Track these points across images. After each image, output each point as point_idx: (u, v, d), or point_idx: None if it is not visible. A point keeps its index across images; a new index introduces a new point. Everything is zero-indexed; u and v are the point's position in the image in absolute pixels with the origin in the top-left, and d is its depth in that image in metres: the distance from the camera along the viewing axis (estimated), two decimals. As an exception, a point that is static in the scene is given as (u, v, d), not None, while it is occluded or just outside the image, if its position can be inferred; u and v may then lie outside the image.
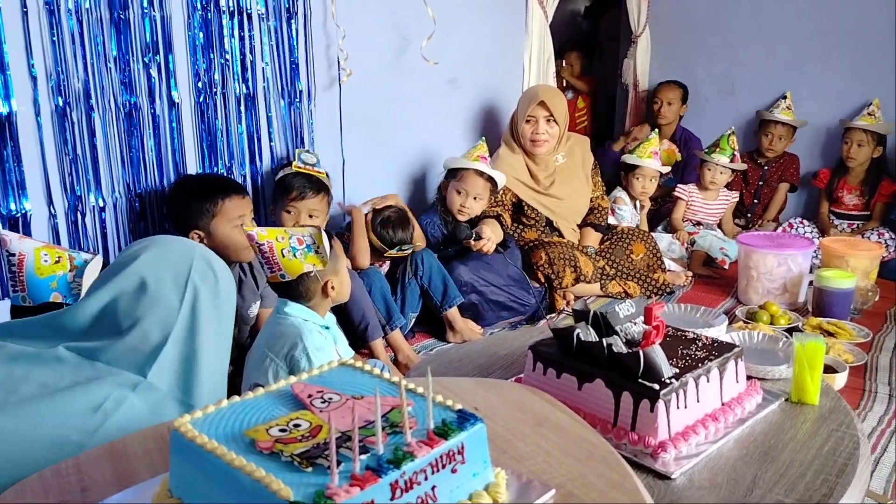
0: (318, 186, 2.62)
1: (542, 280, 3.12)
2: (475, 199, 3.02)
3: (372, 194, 2.92)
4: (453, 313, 2.80)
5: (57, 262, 1.61)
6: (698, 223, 3.94)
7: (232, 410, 0.90)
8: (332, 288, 1.89)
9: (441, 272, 2.82)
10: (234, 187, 2.29)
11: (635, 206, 3.77)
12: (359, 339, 2.51)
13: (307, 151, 2.68)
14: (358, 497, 0.74)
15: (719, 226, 4.00)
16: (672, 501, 1.05)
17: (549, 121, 3.24)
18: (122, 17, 2.21)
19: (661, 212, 4.09)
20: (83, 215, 2.23)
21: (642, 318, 1.33)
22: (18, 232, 2.05)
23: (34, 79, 2.05)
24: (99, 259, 1.68)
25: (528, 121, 3.24)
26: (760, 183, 4.23)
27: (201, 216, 2.21)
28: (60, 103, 2.11)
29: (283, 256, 1.80)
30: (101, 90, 2.19)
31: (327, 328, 1.96)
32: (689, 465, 1.12)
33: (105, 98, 2.21)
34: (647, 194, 3.76)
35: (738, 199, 4.07)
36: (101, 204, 2.26)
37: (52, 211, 2.15)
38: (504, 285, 2.98)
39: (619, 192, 3.73)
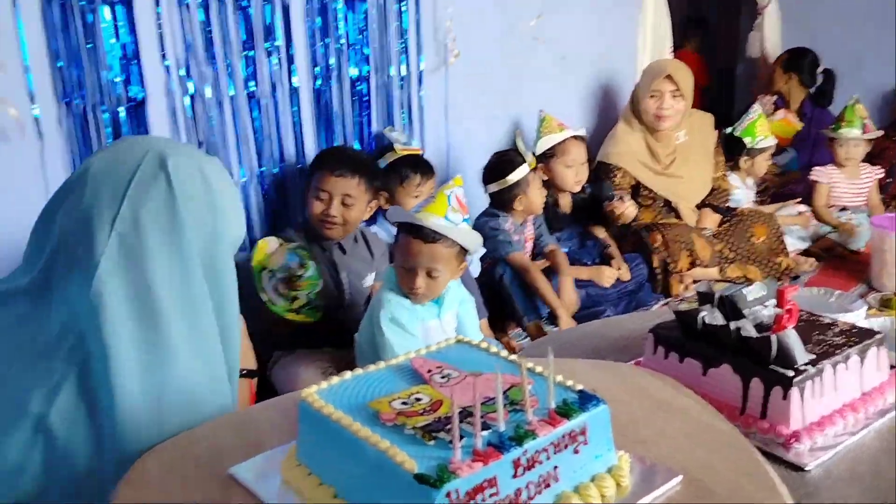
0: (428, 167, 2.63)
1: (658, 262, 3.02)
2: (583, 164, 2.97)
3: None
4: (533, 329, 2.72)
5: None
6: (843, 208, 3.63)
7: (356, 382, 0.92)
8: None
9: (519, 285, 2.68)
10: (334, 165, 2.26)
11: (747, 185, 3.58)
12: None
13: (394, 129, 2.68)
14: (480, 472, 0.74)
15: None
16: (806, 494, 0.99)
17: (675, 95, 3.13)
18: (244, 5, 2.29)
19: (785, 193, 3.84)
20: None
21: (773, 301, 1.26)
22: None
23: (166, 68, 2.16)
24: None
25: (652, 95, 3.13)
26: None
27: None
28: (190, 90, 2.22)
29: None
30: (227, 77, 2.29)
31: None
32: (826, 456, 1.05)
33: (231, 85, 2.30)
34: (759, 175, 3.56)
35: (882, 174, 3.70)
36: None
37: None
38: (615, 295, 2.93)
39: (730, 177, 3.55)
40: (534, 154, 2.93)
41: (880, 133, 3.61)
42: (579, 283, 2.91)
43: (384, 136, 2.69)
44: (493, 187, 2.75)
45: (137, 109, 2.14)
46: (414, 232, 1.80)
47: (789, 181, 3.89)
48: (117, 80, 2.09)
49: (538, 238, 2.90)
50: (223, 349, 1.13)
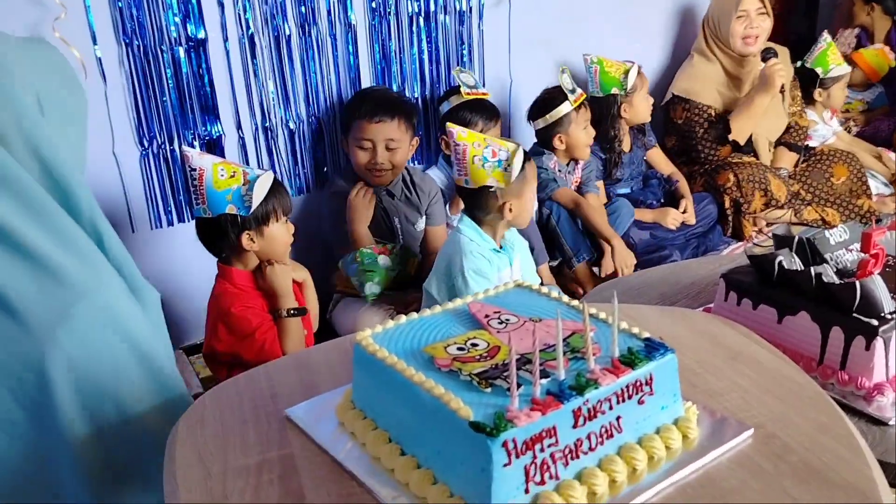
0: (495, 113, 2.54)
1: (730, 203, 2.90)
2: (645, 100, 2.87)
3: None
4: (580, 271, 2.63)
5: (232, 176, 1.69)
6: None
7: (411, 327, 0.89)
8: (510, 210, 1.85)
9: (571, 225, 2.61)
10: (373, 109, 2.23)
11: (827, 122, 3.37)
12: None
13: (463, 71, 2.59)
14: (539, 422, 0.71)
15: None
16: (888, 450, 0.93)
17: (760, 13, 2.96)
18: (300, -60, 2.23)
19: (869, 133, 3.61)
20: (270, 136, 2.33)
21: (856, 245, 1.17)
22: (214, 153, 2.19)
23: (221, 5, 2.13)
24: (270, 174, 1.75)
25: (739, 16, 2.96)
26: None
27: (344, 127, 2.30)
28: (246, 29, 2.19)
29: (473, 163, 1.77)
30: (282, 15, 2.25)
31: (498, 251, 1.94)
32: (912, 411, 0.99)
33: (286, 23, 2.26)
34: (836, 106, 3.35)
35: None
36: (285, 125, 2.35)
37: (241, 133, 2.27)
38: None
39: (809, 113, 3.34)
40: (614, 95, 2.82)
41: None
42: (643, 226, 2.82)
43: (452, 77, 2.61)
44: (539, 124, 2.66)
45: (197, 49, 2.13)
46: None
47: (874, 117, 3.64)
48: (177, 19, 2.07)
49: (583, 184, 2.80)
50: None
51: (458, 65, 2.68)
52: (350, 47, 2.42)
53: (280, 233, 1.78)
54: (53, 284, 0.99)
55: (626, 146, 2.94)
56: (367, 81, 2.49)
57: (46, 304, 0.98)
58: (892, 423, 0.98)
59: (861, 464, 0.79)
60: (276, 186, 1.77)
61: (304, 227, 1.95)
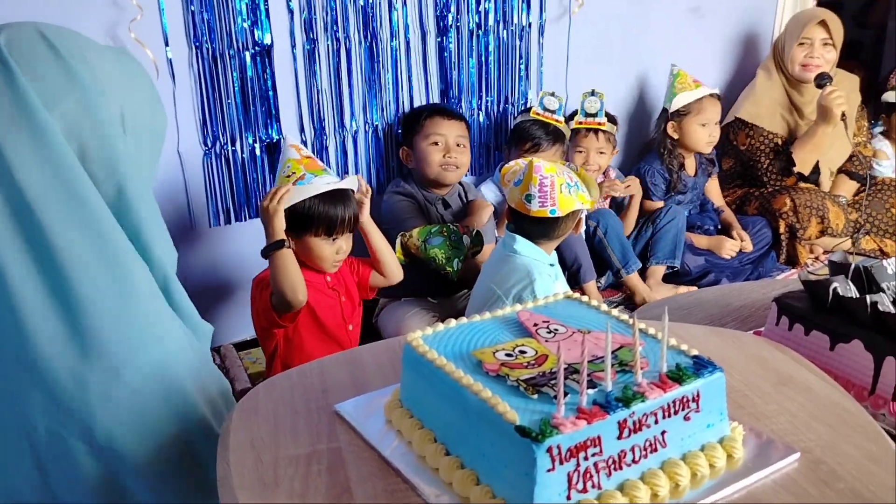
0: (556, 137, 2.56)
1: (785, 229, 2.85)
2: (716, 125, 2.83)
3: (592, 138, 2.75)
4: (633, 279, 2.63)
5: (292, 174, 1.77)
6: None
7: (460, 331, 0.91)
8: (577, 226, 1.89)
9: (618, 236, 2.61)
10: (441, 111, 2.36)
11: None
12: (570, 281, 2.46)
13: (551, 95, 2.61)
14: (584, 430, 0.72)
15: None
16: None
17: (825, 44, 2.91)
18: (367, -48, 2.28)
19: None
20: (337, 142, 2.39)
21: (916, 276, 1.15)
22: (273, 156, 2.26)
23: (290, 12, 2.20)
24: (354, 178, 1.80)
25: (801, 43, 2.92)
26: None
27: (409, 133, 2.36)
28: (311, 36, 2.25)
29: (561, 192, 1.77)
30: (346, 25, 2.30)
31: (552, 265, 1.94)
32: (966, 447, 0.96)
33: (350, 32, 2.31)
34: None
35: None
36: (346, 132, 2.40)
37: (303, 138, 2.33)
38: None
39: (879, 143, 3.26)
40: (665, 110, 2.81)
41: None
42: (697, 251, 2.80)
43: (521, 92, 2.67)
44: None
45: (262, 54, 2.19)
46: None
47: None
48: (245, 24, 2.14)
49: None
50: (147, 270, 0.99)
51: (517, 79, 2.72)
52: (411, 58, 2.47)
53: (317, 246, 1.79)
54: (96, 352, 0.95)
55: (689, 170, 2.92)
56: (422, 92, 2.53)
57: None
58: (945, 457, 0.96)
59: (910, 495, 0.78)
60: (335, 199, 1.76)
61: (358, 236, 1.98)
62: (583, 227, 2.40)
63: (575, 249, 2.46)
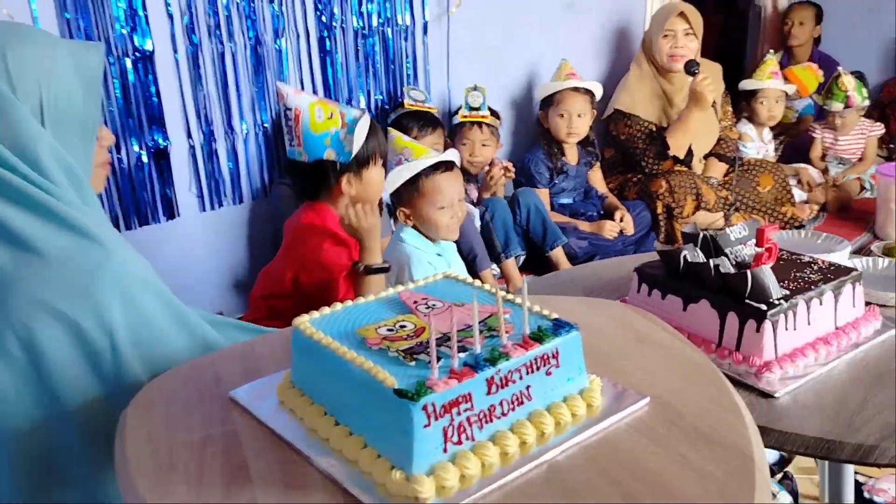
0: (433, 123, 2.66)
1: (662, 209, 3.06)
2: (579, 116, 2.98)
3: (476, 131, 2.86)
4: (557, 254, 2.79)
5: (330, 117, 1.61)
6: (841, 161, 3.66)
7: (345, 312, 0.98)
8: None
9: (540, 213, 2.78)
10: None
11: (763, 138, 3.59)
12: (468, 270, 2.57)
13: (414, 88, 2.71)
14: (455, 388, 0.80)
15: (861, 160, 3.69)
16: (773, 419, 1.05)
17: (687, 34, 3.13)
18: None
19: (802, 143, 3.83)
20: (227, 145, 2.39)
21: (754, 241, 1.30)
22: (160, 163, 2.24)
23: (170, 17, 2.19)
24: (367, 117, 1.70)
25: (665, 35, 3.13)
26: (909, 109, 3.89)
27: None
28: (193, 42, 2.25)
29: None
30: (228, 28, 2.32)
31: (440, 255, 2.04)
32: (795, 385, 1.11)
33: (233, 35, 2.33)
34: (776, 119, 3.56)
35: (882, 132, 3.72)
36: (234, 135, 2.41)
37: (191, 143, 2.32)
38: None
39: (744, 127, 3.55)
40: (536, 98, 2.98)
41: (865, 103, 3.59)
42: (582, 235, 2.96)
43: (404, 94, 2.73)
44: None
45: (146, 59, 2.18)
46: (442, 167, 1.95)
47: (804, 129, 3.86)
48: (124, 31, 2.13)
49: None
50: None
51: (403, 77, 2.79)
52: (301, 60, 2.50)
53: (377, 177, 1.74)
54: (88, 242, 1.04)
55: (571, 159, 3.08)
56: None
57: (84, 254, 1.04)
58: (777, 395, 1.10)
59: (741, 426, 0.90)
60: (374, 127, 1.72)
61: (260, 231, 2.00)
62: (475, 217, 2.53)
63: (470, 240, 2.57)
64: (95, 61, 1.10)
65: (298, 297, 1.73)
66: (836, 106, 3.53)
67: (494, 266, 2.68)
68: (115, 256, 1.07)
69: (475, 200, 2.79)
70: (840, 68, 3.56)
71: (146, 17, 2.15)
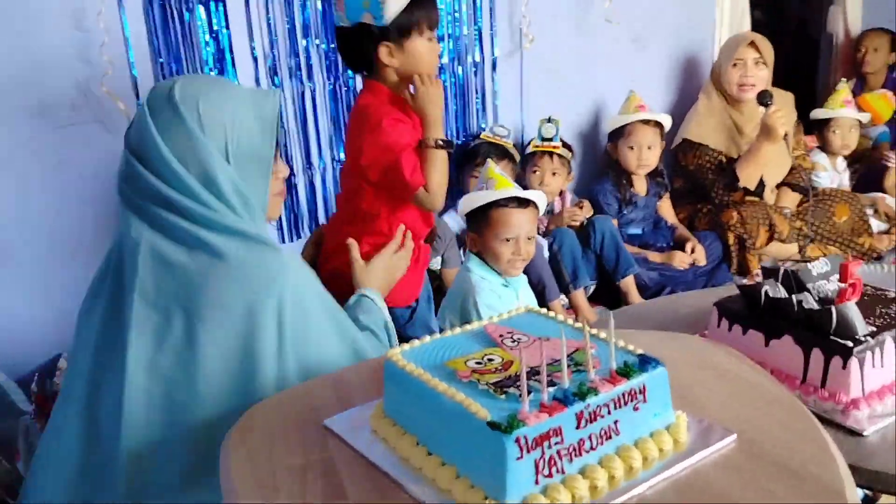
0: (503, 153, 2.72)
1: (734, 240, 3.02)
2: (649, 148, 2.99)
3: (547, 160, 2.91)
4: (628, 283, 2.78)
5: None
6: None
7: (434, 345, 1.02)
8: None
9: (614, 240, 2.79)
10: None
11: (836, 168, 3.51)
12: (539, 301, 2.59)
13: (500, 126, 2.78)
14: (546, 422, 0.83)
15: None
16: (862, 457, 1.04)
17: (757, 63, 3.11)
18: (325, -1, 2.42)
19: (876, 171, 3.72)
20: (305, 179, 2.49)
21: (837, 276, 1.29)
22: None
23: (255, 59, 2.31)
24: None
25: (735, 64, 3.12)
26: None
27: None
28: (276, 82, 2.37)
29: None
30: (308, 68, 2.42)
31: (506, 286, 2.07)
32: (883, 423, 1.09)
33: (312, 76, 2.44)
34: (850, 147, 3.48)
35: None
36: (312, 170, 2.51)
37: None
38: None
39: (816, 156, 3.48)
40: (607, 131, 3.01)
41: None
42: (652, 266, 2.95)
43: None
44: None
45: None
46: (515, 202, 1.99)
47: (880, 157, 3.76)
48: (212, 73, 2.25)
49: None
50: None
51: (473, 112, 2.87)
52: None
53: (424, 49, 1.66)
54: (267, 249, 1.23)
55: (640, 190, 3.08)
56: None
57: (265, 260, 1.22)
58: (866, 433, 1.09)
59: (831, 464, 0.90)
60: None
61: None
62: (543, 248, 2.55)
63: (539, 271, 2.59)
64: (272, 106, 1.27)
65: (374, 192, 1.71)
66: None
67: (563, 297, 2.69)
68: (291, 262, 1.25)
69: (544, 231, 2.81)
70: None
71: (233, 59, 2.27)
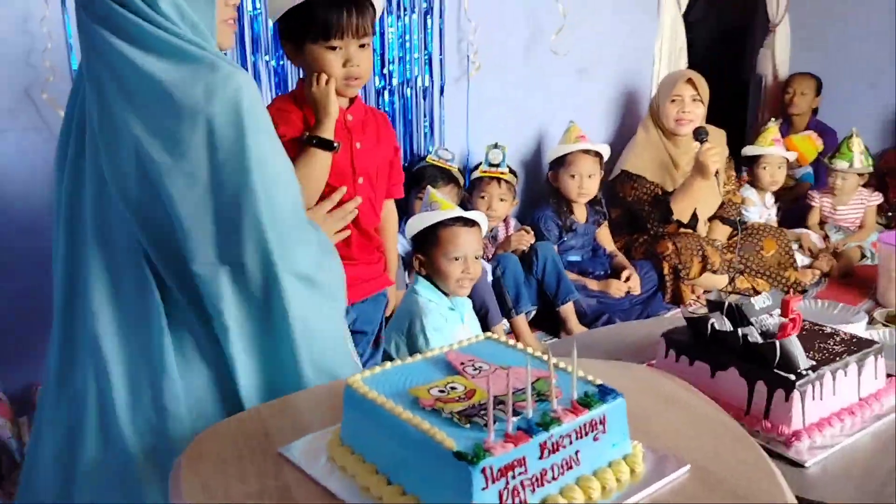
0: (448, 177, 2.74)
1: (669, 270, 3.11)
2: (590, 177, 3.07)
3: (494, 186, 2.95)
4: (567, 310, 2.83)
5: None
6: (839, 228, 3.75)
7: (395, 372, 1.01)
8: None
9: (556, 267, 2.85)
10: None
11: (765, 203, 3.67)
12: (480, 324, 2.60)
13: (445, 149, 2.81)
14: (511, 453, 0.83)
15: (861, 227, 3.78)
16: (804, 487, 1.08)
17: (694, 100, 3.23)
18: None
19: (799, 209, 3.92)
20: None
21: (778, 310, 1.35)
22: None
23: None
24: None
25: (673, 100, 3.23)
26: (907, 181, 4.00)
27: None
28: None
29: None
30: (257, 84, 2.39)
31: (452, 309, 2.08)
32: (823, 455, 1.14)
33: (262, 91, 2.40)
34: (779, 184, 3.65)
35: (880, 201, 3.82)
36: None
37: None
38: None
39: (746, 191, 3.64)
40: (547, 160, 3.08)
41: (868, 169, 3.70)
42: (590, 294, 3.01)
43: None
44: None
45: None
46: (462, 222, 2.07)
47: (801, 194, 3.96)
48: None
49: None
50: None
51: (422, 135, 2.89)
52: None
53: (320, 55, 1.59)
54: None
55: (580, 217, 3.15)
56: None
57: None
58: (807, 464, 1.13)
59: (779, 494, 0.93)
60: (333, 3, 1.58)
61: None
62: (487, 273, 2.57)
63: (483, 295, 2.61)
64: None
65: None
66: (842, 164, 3.62)
67: (505, 321, 2.71)
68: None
69: (488, 256, 2.84)
70: (854, 129, 3.66)
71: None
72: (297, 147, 1.61)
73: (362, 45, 1.65)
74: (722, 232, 3.42)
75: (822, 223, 3.77)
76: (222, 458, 1.00)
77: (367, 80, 1.75)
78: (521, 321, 2.76)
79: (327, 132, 1.61)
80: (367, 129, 1.77)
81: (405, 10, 2.73)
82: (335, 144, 1.61)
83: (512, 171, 2.96)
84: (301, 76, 1.72)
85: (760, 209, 3.65)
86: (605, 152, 3.18)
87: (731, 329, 1.28)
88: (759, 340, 1.24)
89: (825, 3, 4.37)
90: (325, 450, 1.00)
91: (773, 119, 3.83)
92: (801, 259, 3.46)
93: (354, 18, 1.60)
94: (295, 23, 1.61)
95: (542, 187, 3.36)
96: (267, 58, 2.41)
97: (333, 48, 1.62)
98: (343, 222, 1.63)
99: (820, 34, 4.40)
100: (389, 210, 1.92)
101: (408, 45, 2.77)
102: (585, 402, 0.92)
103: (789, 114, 4.23)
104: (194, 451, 1.02)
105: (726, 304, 1.34)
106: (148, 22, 1.12)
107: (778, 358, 1.19)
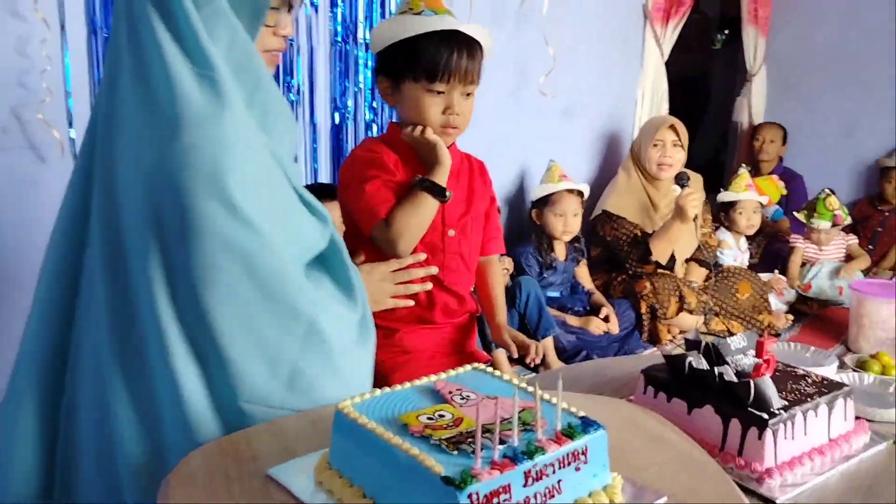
0: None
1: (646, 309, 3.17)
2: (574, 216, 3.15)
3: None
4: (547, 344, 2.87)
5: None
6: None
7: (384, 398, 1.04)
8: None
9: (538, 301, 2.90)
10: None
11: (739, 247, 3.76)
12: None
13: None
14: (497, 479, 0.86)
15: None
16: (776, 523, 1.11)
17: (675, 145, 3.32)
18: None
19: (774, 250, 4.02)
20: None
21: (753, 351, 1.39)
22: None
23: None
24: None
25: (655, 144, 3.32)
26: (879, 229, 4.12)
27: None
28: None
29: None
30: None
31: None
32: (795, 492, 1.18)
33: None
34: (755, 227, 3.75)
35: (855, 241, 3.95)
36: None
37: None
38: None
39: (722, 235, 3.73)
40: (532, 199, 3.12)
41: (847, 221, 3.83)
42: (570, 329, 3.05)
43: None
44: None
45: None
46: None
47: (782, 235, 4.06)
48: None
49: None
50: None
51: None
52: (315, 145, 2.62)
53: (415, 96, 1.51)
54: None
55: (560, 255, 3.21)
56: (324, 177, 2.68)
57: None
58: (778, 501, 1.17)
59: (752, 528, 0.97)
60: (456, 40, 1.50)
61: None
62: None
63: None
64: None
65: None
66: (824, 224, 3.74)
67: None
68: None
69: None
70: (826, 189, 3.78)
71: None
72: (396, 189, 1.53)
73: (468, 94, 1.57)
74: (698, 273, 3.50)
75: (803, 265, 3.86)
76: (211, 478, 1.02)
77: (464, 131, 1.64)
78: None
79: (441, 180, 1.54)
80: (460, 178, 1.67)
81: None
82: (448, 193, 1.53)
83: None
84: (392, 118, 1.66)
85: (735, 252, 3.74)
86: (586, 191, 3.26)
87: (708, 367, 1.32)
88: (734, 379, 1.28)
89: (801, 55, 4.53)
90: (313, 473, 1.02)
91: (743, 165, 3.94)
92: (776, 303, 3.54)
93: (464, 62, 1.50)
94: (397, 58, 1.51)
95: (524, 224, 3.42)
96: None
97: (436, 92, 1.52)
98: (401, 290, 1.50)
99: (795, 85, 4.55)
100: (491, 267, 1.78)
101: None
102: (569, 433, 0.95)
103: (759, 160, 4.37)
104: (182, 471, 1.04)
105: (703, 343, 1.39)
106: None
107: (752, 397, 1.23)
